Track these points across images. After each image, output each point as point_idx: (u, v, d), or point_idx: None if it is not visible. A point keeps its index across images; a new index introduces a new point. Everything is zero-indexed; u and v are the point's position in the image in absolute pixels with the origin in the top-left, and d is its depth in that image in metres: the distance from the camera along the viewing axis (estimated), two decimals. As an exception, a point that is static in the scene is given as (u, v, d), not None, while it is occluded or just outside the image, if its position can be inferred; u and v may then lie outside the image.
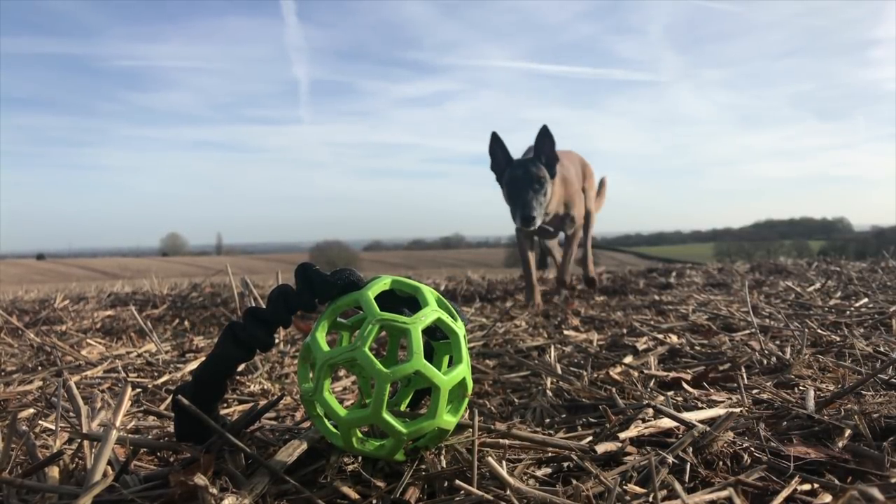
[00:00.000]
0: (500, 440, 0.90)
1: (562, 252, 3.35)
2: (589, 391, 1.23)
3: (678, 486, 0.72)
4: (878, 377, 1.19)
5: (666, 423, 0.98)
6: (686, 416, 0.98)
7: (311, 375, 0.86)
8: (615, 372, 1.36)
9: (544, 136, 2.93)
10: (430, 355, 0.93)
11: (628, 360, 1.50)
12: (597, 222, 3.65)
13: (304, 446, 0.87)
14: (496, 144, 2.98)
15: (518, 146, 3.39)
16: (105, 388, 1.46)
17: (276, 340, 1.89)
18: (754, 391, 1.19)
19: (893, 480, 0.79)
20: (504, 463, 0.85)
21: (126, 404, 0.95)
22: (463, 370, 0.84)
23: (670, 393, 1.21)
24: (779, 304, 2.29)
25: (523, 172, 2.86)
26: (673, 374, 1.32)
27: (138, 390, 1.41)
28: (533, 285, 3.12)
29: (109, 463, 0.84)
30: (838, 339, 1.60)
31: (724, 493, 0.75)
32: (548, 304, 3.00)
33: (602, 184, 3.87)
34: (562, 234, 3.48)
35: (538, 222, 2.86)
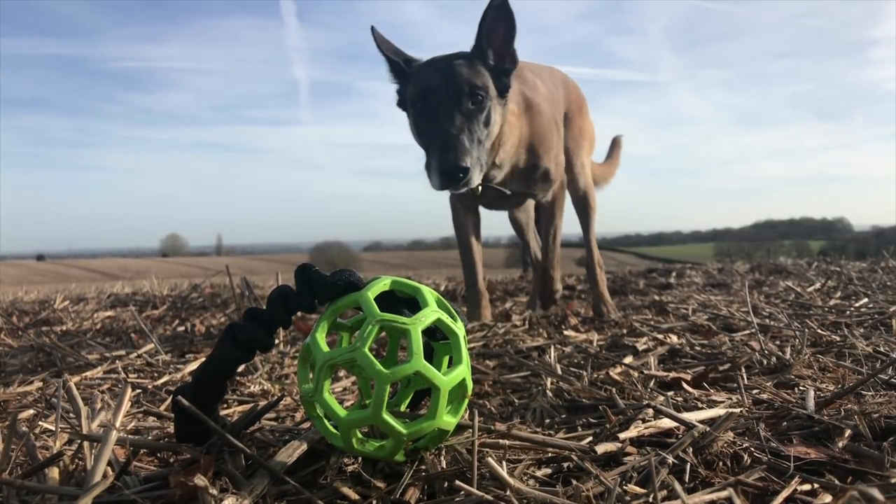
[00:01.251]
0: (500, 441, 0.90)
1: (541, 239, 2.31)
2: (589, 391, 1.23)
3: (678, 487, 0.72)
4: (878, 377, 1.19)
5: (666, 423, 0.98)
6: (686, 416, 0.98)
7: (310, 376, 0.86)
8: (615, 372, 1.36)
9: (497, 13, 1.73)
10: (430, 356, 0.93)
11: (628, 360, 1.50)
12: (598, 210, 2.53)
13: (304, 447, 0.87)
14: (383, 45, 1.86)
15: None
16: (105, 388, 1.45)
17: (276, 341, 1.89)
18: (754, 391, 1.19)
19: (893, 480, 0.79)
20: (504, 463, 0.85)
21: (126, 405, 0.95)
22: (463, 371, 0.84)
23: (670, 393, 1.21)
24: (779, 304, 2.29)
25: (443, 79, 1.69)
26: (673, 375, 1.32)
27: (138, 391, 1.41)
28: (478, 290, 2.19)
29: (109, 464, 0.84)
30: (838, 339, 1.60)
31: (724, 494, 0.75)
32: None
33: (616, 144, 2.94)
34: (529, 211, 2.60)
35: (475, 179, 1.67)
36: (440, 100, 1.70)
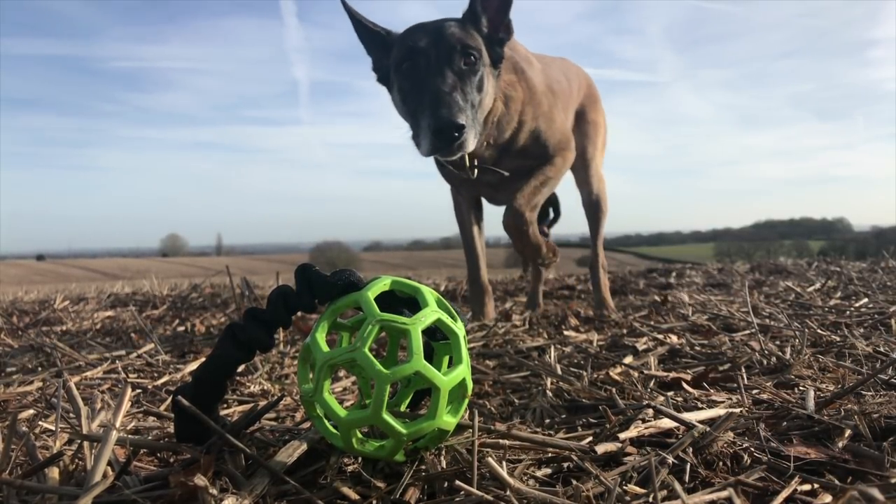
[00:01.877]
0: (500, 441, 0.90)
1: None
2: (589, 391, 1.23)
3: (678, 487, 0.72)
4: (878, 377, 1.19)
5: (666, 423, 0.98)
6: (686, 416, 0.98)
7: (310, 376, 0.86)
8: (615, 372, 1.36)
9: None
10: (430, 356, 0.93)
11: (628, 360, 1.50)
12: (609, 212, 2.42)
13: (304, 447, 0.87)
14: (358, 22, 1.76)
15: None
16: (105, 388, 1.45)
17: (276, 341, 1.89)
18: (754, 391, 1.19)
19: (893, 480, 0.79)
20: (504, 463, 0.85)
21: (126, 405, 0.96)
22: (463, 371, 0.84)
23: (670, 393, 1.21)
24: (779, 304, 2.29)
25: (433, 39, 1.60)
26: (673, 375, 1.32)
27: (138, 391, 1.41)
28: (481, 286, 2.18)
29: (109, 464, 0.84)
30: (838, 339, 1.60)
31: (724, 494, 0.75)
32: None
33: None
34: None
35: (470, 142, 1.54)
36: (429, 60, 1.57)
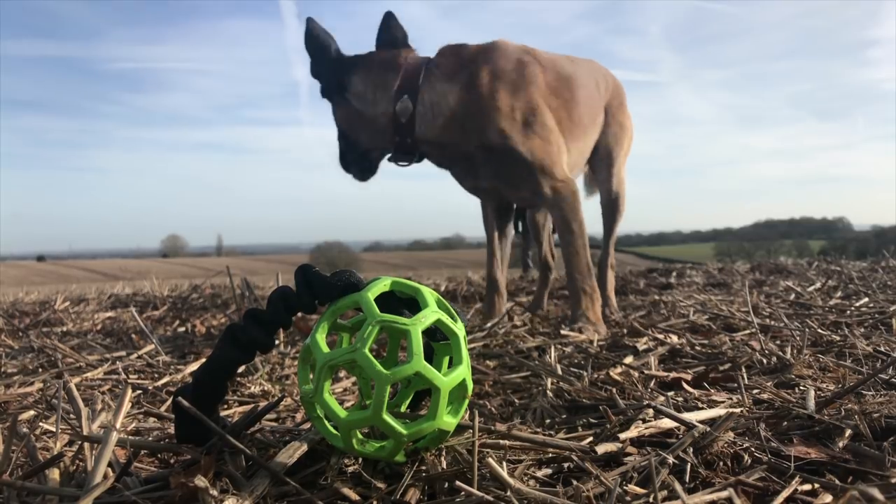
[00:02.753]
0: (501, 441, 0.90)
1: (563, 253, 2.03)
2: (589, 392, 1.23)
3: (678, 487, 0.72)
4: (879, 377, 1.19)
5: (666, 423, 0.98)
6: (686, 416, 0.98)
7: (311, 377, 0.86)
8: (615, 372, 1.36)
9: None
10: (430, 356, 0.93)
11: (628, 360, 1.50)
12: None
13: (305, 448, 0.87)
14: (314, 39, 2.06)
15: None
16: (105, 389, 1.46)
17: (277, 342, 1.89)
18: (754, 391, 1.19)
19: (894, 480, 0.79)
20: (504, 464, 0.85)
21: (126, 406, 0.96)
22: (463, 371, 0.84)
23: (671, 393, 1.21)
24: (779, 304, 2.29)
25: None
26: (673, 375, 1.32)
27: (139, 392, 1.41)
28: (491, 284, 2.30)
29: (110, 465, 0.84)
30: (839, 338, 1.60)
31: (724, 494, 0.75)
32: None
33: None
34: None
35: (358, 174, 2.18)
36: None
